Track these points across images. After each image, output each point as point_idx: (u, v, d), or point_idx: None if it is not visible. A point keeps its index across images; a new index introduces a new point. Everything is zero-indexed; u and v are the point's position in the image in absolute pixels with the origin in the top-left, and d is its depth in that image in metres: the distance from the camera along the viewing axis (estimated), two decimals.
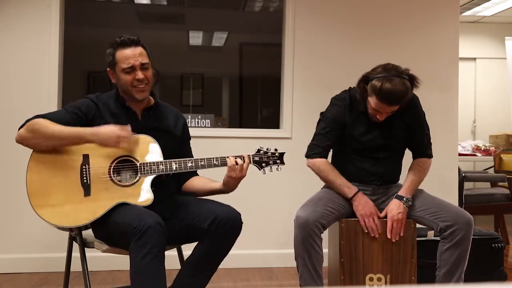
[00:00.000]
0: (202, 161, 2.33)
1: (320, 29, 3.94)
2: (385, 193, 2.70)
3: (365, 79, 2.55)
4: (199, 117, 4.11)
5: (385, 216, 2.60)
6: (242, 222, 2.25)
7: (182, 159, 2.31)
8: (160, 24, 6.38)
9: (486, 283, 3.06)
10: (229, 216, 2.22)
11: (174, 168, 2.29)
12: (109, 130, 2.22)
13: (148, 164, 2.27)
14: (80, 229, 2.29)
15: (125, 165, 2.28)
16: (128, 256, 2.09)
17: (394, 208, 2.58)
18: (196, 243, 2.30)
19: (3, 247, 3.60)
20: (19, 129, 2.24)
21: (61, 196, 2.19)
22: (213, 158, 2.33)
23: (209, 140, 3.76)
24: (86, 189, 2.21)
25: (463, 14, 6.76)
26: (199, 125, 4.08)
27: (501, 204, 4.70)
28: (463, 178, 4.30)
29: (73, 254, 2.43)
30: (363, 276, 2.59)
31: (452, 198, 3.92)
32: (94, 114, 2.32)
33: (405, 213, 2.58)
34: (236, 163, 2.30)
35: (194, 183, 2.48)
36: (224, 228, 2.20)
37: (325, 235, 2.56)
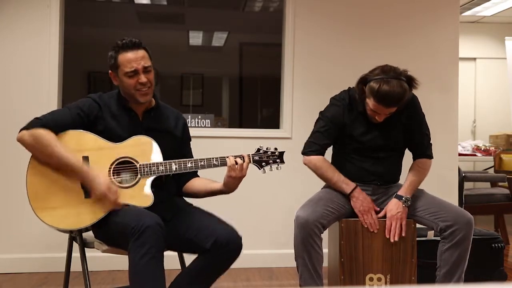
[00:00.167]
0: (201, 161, 2.32)
1: (320, 29, 3.94)
2: (385, 193, 2.70)
3: (363, 81, 2.54)
4: (199, 117, 4.11)
5: (385, 216, 2.60)
6: (242, 245, 2.24)
7: (181, 160, 2.30)
8: (160, 24, 6.38)
9: (486, 283, 3.06)
10: (230, 238, 2.21)
11: (174, 169, 2.29)
12: (102, 184, 2.14)
13: (148, 165, 2.26)
14: (80, 231, 2.29)
15: (125, 167, 2.27)
16: (127, 256, 2.09)
17: (393, 207, 2.58)
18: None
19: (3, 247, 3.60)
20: (23, 128, 2.20)
21: (61, 198, 2.19)
22: (213, 158, 2.32)
23: (209, 140, 3.76)
24: (86, 191, 2.20)
25: (463, 14, 6.76)
26: (199, 125, 4.08)
27: (501, 204, 4.70)
28: (463, 178, 4.30)
29: (73, 254, 2.43)
30: (363, 276, 2.58)
31: (452, 198, 3.92)
32: (96, 115, 2.30)
33: (404, 212, 2.58)
34: (236, 163, 2.29)
35: (194, 184, 2.47)
36: (224, 250, 2.20)
37: (325, 235, 2.56)
